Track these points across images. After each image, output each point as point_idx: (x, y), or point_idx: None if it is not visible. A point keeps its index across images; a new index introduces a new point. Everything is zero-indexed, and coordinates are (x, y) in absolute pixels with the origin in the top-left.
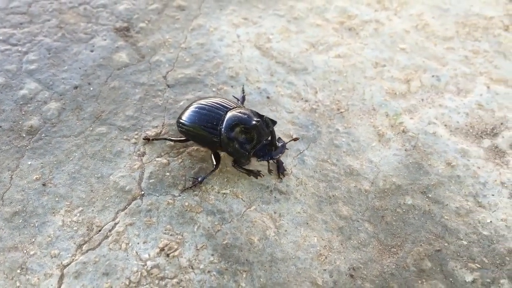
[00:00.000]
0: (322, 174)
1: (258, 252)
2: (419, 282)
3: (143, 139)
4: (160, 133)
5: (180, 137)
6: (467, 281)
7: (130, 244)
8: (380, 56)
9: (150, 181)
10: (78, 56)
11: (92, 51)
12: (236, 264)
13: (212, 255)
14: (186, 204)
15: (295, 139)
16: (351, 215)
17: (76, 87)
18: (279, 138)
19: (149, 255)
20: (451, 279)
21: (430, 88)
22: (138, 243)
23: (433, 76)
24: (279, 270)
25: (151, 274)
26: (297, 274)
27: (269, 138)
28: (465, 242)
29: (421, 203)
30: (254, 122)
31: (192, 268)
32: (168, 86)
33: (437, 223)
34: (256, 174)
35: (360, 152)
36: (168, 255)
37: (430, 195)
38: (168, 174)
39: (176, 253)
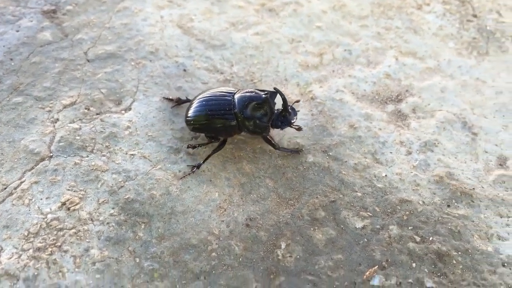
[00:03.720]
0: (230, 137)
1: (159, 206)
2: (312, 229)
3: (188, 147)
4: (77, 103)
5: (206, 137)
6: (357, 227)
7: (33, 200)
8: (297, 33)
9: (60, 144)
10: (3, 36)
11: (17, 31)
12: (135, 216)
13: (113, 208)
14: (93, 164)
15: (297, 101)
16: (253, 172)
17: None
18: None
19: (50, 209)
20: (342, 226)
21: (341, 61)
22: (41, 199)
23: (345, 50)
24: (178, 221)
25: (50, 225)
26: (195, 225)
27: (276, 109)
28: (359, 194)
29: (321, 160)
30: (264, 96)
31: (92, 220)
32: (88, 61)
33: (334, 178)
34: (297, 150)
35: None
36: (69, 209)
37: (330, 153)
38: (78, 138)
39: (77, 207)
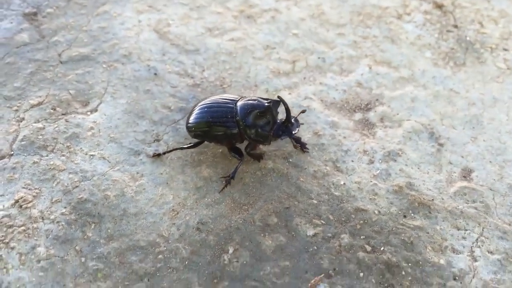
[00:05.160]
0: (192, 141)
1: (111, 207)
2: (262, 235)
3: (153, 156)
4: (44, 103)
5: (190, 142)
6: (308, 234)
7: None
8: (272, 40)
9: (22, 143)
10: None
11: None
12: (86, 216)
13: (65, 207)
14: (51, 163)
15: (303, 111)
16: (211, 176)
17: None
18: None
19: (3, 206)
20: (293, 233)
21: (314, 68)
22: None
23: (319, 57)
24: (129, 223)
25: (1, 222)
26: (146, 227)
27: (278, 118)
28: (315, 201)
29: (280, 167)
30: (266, 104)
31: (42, 219)
32: (61, 62)
33: (292, 185)
34: (258, 156)
35: None
36: (21, 206)
37: (291, 160)
38: (40, 137)
39: (29, 205)
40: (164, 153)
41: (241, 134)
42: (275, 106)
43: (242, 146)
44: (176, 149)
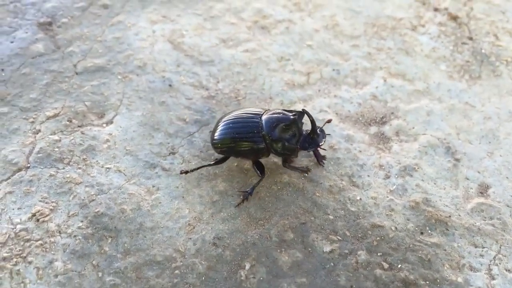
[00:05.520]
0: (207, 154)
1: (128, 221)
2: (278, 251)
3: (180, 173)
4: (60, 115)
5: (216, 159)
6: (324, 251)
7: (5, 210)
8: (286, 51)
9: (38, 155)
10: None
11: (12, 42)
12: (103, 230)
13: (82, 221)
14: (68, 176)
15: (329, 121)
16: (227, 190)
17: None
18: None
19: (20, 219)
20: (309, 249)
21: (328, 80)
22: (13, 209)
23: (333, 69)
24: (145, 237)
25: (19, 236)
26: (162, 242)
27: (304, 130)
28: (331, 217)
29: (296, 181)
30: (292, 117)
31: (60, 233)
32: (76, 73)
33: (307, 199)
34: (306, 170)
35: None
36: (38, 220)
37: (306, 174)
38: (57, 149)
39: (46, 218)
40: (191, 171)
41: (267, 148)
42: (300, 118)
43: (264, 160)
44: (204, 166)
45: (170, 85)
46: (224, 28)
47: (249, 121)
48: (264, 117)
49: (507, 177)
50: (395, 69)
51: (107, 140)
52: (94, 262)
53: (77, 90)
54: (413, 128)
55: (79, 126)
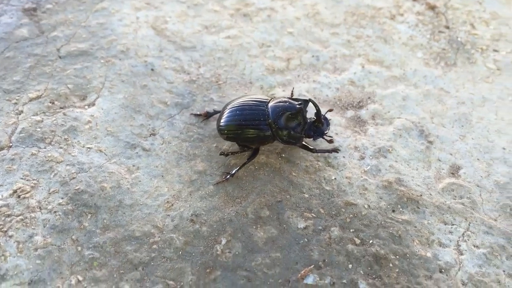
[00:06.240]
0: (187, 136)
1: (107, 198)
2: (254, 227)
3: (220, 154)
4: (42, 97)
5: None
6: (299, 227)
7: None
8: (268, 38)
9: (21, 135)
10: None
11: None
12: (83, 207)
13: (62, 198)
14: (49, 155)
15: (330, 110)
16: (206, 170)
17: None
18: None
19: (2, 195)
20: (284, 226)
21: (308, 66)
22: None
23: (313, 56)
24: (124, 214)
25: (0, 211)
26: (141, 218)
27: (309, 118)
28: (306, 195)
29: (273, 161)
30: (298, 106)
31: (40, 209)
32: (60, 57)
33: (284, 179)
34: (335, 150)
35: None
36: (19, 196)
37: (284, 155)
38: (39, 130)
39: (27, 195)
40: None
41: (273, 136)
42: (305, 107)
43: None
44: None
45: (152, 69)
46: (207, 15)
47: (256, 108)
48: (270, 105)
49: (478, 159)
50: (373, 56)
51: (89, 121)
52: (73, 237)
53: (60, 73)
54: (389, 112)
55: (61, 108)
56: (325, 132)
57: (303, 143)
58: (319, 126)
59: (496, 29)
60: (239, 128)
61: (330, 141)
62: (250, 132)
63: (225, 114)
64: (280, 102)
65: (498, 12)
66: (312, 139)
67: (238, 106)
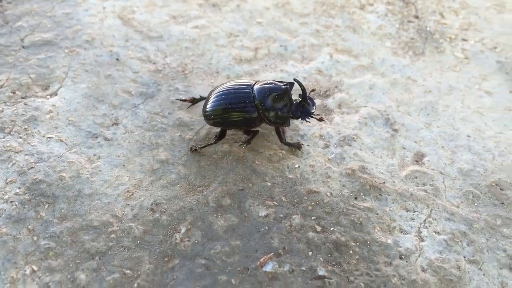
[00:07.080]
0: (151, 125)
1: (66, 188)
2: (215, 215)
3: (190, 150)
4: (4, 86)
5: (216, 134)
6: (260, 215)
7: None
8: (236, 28)
9: None
10: None
11: None
12: (40, 197)
13: (19, 188)
14: (8, 145)
15: (313, 90)
16: (168, 159)
17: None
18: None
19: None
20: (245, 214)
21: (276, 56)
22: None
23: (281, 46)
24: (83, 203)
25: None
26: (100, 208)
27: (294, 99)
28: (269, 184)
29: (237, 150)
30: (284, 87)
31: None
32: (23, 47)
33: (247, 167)
34: (298, 146)
35: (193, 107)
36: None
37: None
38: None
39: None
40: (201, 148)
41: (260, 118)
42: (291, 88)
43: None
44: (209, 144)
45: (117, 59)
46: (175, 5)
47: (241, 91)
48: (256, 87)
49: (442, 147)
50: (342, 45)
51: (50, 111)
52: (29, 227)
53: (23, 63)
54: (355, 101)
55: (22, 98)
56: (312, 111)
57: (281, 129)
58: (305, 106)
59: (465, 18)
60: (225, 112)
61: (320, 119)
62: (237, 115)
63: (211, 100)
64: (265, 84)
65: (468, 1)
66: (299, 119)
67: (224, 90)
